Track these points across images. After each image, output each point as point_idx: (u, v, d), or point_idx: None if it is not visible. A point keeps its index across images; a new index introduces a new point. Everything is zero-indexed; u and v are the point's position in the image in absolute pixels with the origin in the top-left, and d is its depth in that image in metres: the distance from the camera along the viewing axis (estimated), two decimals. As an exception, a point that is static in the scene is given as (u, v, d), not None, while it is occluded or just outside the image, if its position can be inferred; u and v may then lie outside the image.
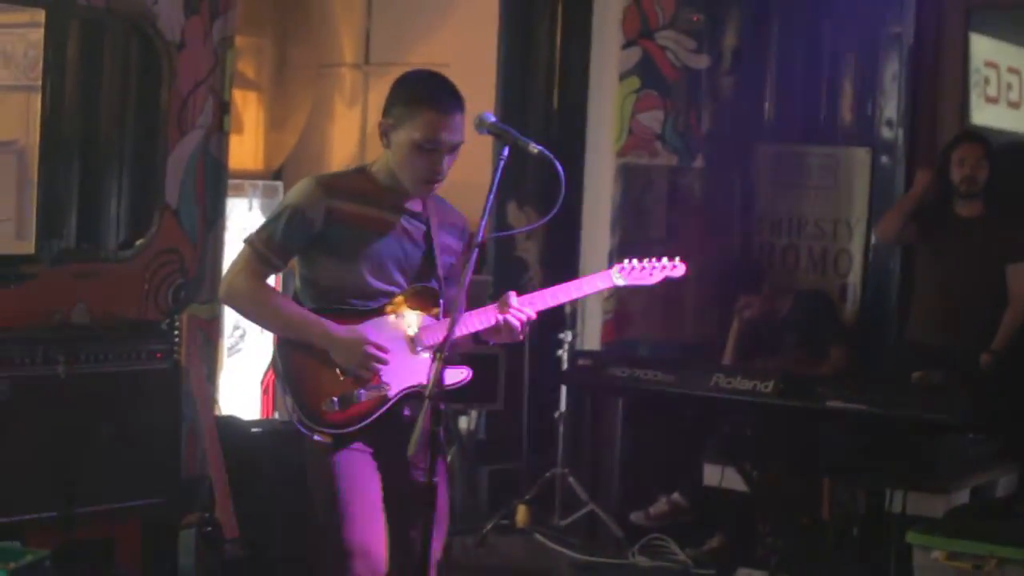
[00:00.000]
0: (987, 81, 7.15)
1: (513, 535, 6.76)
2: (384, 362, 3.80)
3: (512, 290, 3.90)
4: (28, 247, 5.57)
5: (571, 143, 7.22)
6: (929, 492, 5.50)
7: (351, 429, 3.79)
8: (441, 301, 3.93)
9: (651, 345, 7.13)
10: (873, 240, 7.15)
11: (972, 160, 6.30)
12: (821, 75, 7.37)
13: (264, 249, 3.83)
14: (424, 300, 3.91)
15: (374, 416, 3.80)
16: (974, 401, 5.16)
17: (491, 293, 6.67)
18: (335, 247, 3.83)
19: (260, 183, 7.90)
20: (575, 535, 6.70)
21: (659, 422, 6.73)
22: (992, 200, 6.34)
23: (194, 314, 6.01)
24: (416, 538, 3.63)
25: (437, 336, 3.83)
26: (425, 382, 3.53)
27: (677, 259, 4.11)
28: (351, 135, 8.31)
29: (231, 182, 6.54)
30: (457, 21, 7.95)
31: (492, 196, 3.60)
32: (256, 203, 7.73)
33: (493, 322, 3.84)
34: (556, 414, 6.87)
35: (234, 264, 3.90)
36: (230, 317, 6.87)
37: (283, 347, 3.85)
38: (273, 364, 3.94)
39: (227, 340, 7.28)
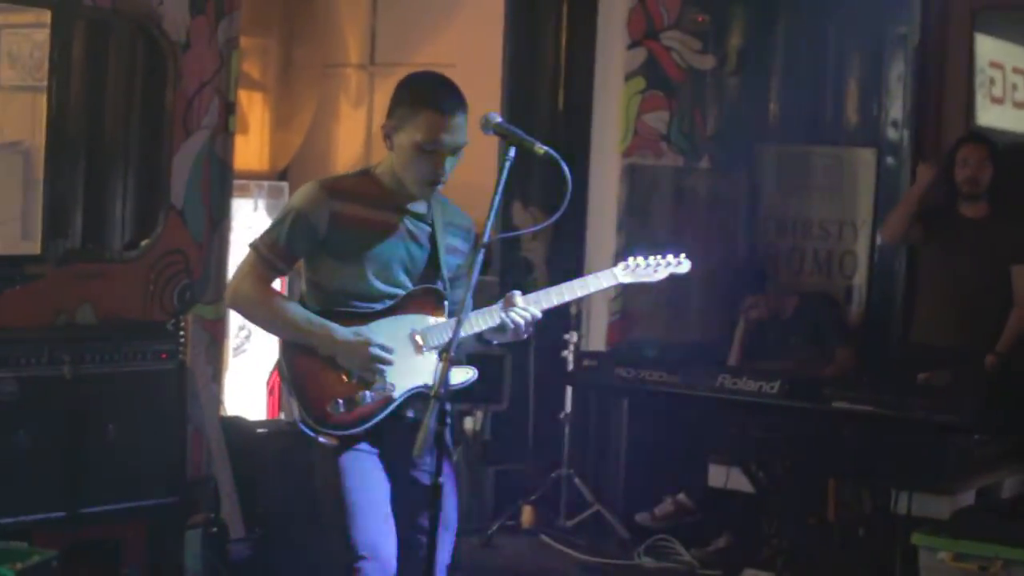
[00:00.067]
0: (992, 82, 7.15)
1: (519, 536, 6.76)
2: (389, 363, 3.80)
3: (516, 290, 3.90)
4: (34, 247, 5.56)
5: (577, 144, 7.21)
6: (935, 493, 5.48)
7: (357, 431, 3.79)
8: (446, 302, 3.93)
9: (656, 346, 7.12)
10: (878, 241, 7.15)
11: (975, 161, 6.30)
12: (826, 76, 7.38)
13: (269, 253, 3.84)
14: (429, 301, 3.91)
15: (379, 417, 3.80)
16: (980, 402, 5.15)
17: (497, 293, 6.66)
18: (340, 250, 3.83)
19: (265, 183, 7.91)
20: (581, 536, 6.71)
21: (664, 423, 6.72)
22: (998, 201, 6.34)
23: (199, 314, 6.02)
24: (424, 540, 3.63)
25: (443, 337, 3.83)
26: (430, 383, 3.52)
27: (682, 255, 4.10)
28: (356, 135, 8.32)
29: (236, 182, 6.54)
30: (462, 21, 7.96)
31: (498, 196, 3.60)
32: (261, 203, 7.73)
33: (497, 321, 3.84)
34: (561, 415, 6.87)
35: (239, 269, 3.91)
36: (235, 318, 6.87)
37: (288, 350, 3.85)
38: (278, 367, 3.94)
39: (232, 340, 7.29)
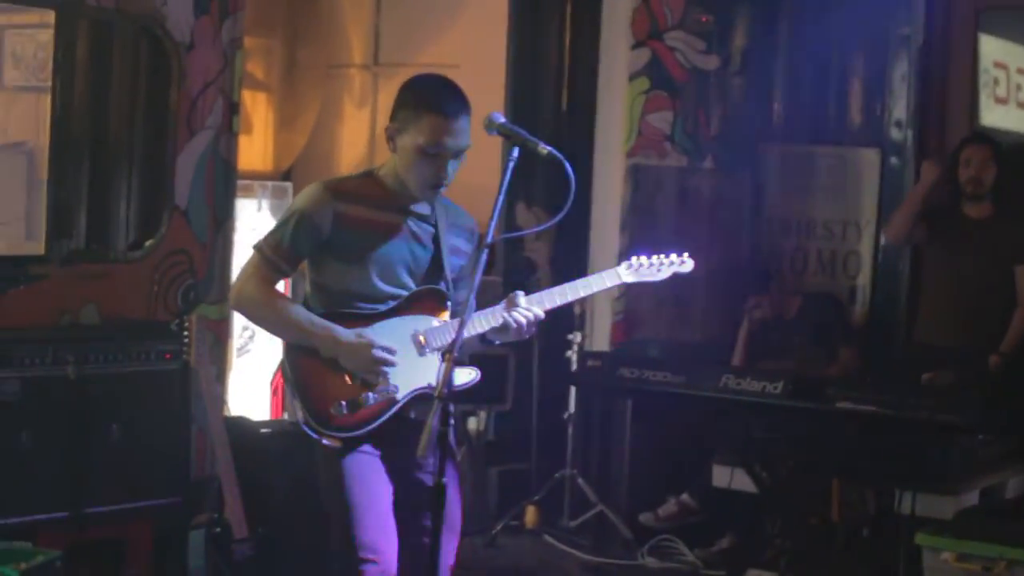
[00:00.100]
0: (996, 82, 7.14)
1: (522, 536, 6.76)
2: (392, 364, 3.80)
3: (519, 290, 3.90)
4: (38, 248, 5.57)
5: (580, 144, 7.21)
6: (939, 493, 5.48)
7: (360, 432, 3.79)
8: (449, 303, 3.93)
9: (660, 346, 7.12)
10: (882, 241, 7.15)
11: (978, 161, 6.29)
12: (830, 76, 7.37)
13: (273, 255, 3.84)
14: (432, 302, 3.92)
15: (382, 419, 3.80)
16: (984, 402, 5.14)
17: (500, 294, 6.66)
18: (343, 251, 3.83)
19: (269, 184, 7.90)
20: (584, 536, 6.71)
21: (668, 423, 6.73)
22: (1001, 201, 6.34)
23: (203, 315, 6.02)
24: (427, 541, 3.63)
25: (445, 337, 3.83)
26: (434, 384, 3.52)
27: (685, 254, 4.10)
28: (360, 136, 8.32)
29: (240, 183, 6.54)
30: (466, 22, 7.96)
31: (502, 197, 3.60)
32: (265, 204, 7.73)
33: (500, 322, 3.84)
34: (565, 415, 6.87)
35: (243, 270, 3.91)
36: (239, 318, 6.86)
37: (291, 352, 3.85)
38: (282, 369, 3.94)
39: (236, 341, 7.29)
